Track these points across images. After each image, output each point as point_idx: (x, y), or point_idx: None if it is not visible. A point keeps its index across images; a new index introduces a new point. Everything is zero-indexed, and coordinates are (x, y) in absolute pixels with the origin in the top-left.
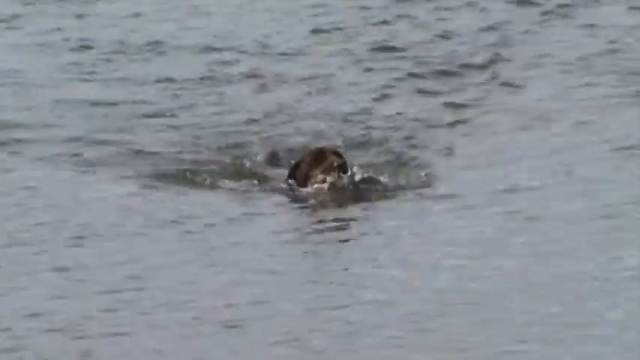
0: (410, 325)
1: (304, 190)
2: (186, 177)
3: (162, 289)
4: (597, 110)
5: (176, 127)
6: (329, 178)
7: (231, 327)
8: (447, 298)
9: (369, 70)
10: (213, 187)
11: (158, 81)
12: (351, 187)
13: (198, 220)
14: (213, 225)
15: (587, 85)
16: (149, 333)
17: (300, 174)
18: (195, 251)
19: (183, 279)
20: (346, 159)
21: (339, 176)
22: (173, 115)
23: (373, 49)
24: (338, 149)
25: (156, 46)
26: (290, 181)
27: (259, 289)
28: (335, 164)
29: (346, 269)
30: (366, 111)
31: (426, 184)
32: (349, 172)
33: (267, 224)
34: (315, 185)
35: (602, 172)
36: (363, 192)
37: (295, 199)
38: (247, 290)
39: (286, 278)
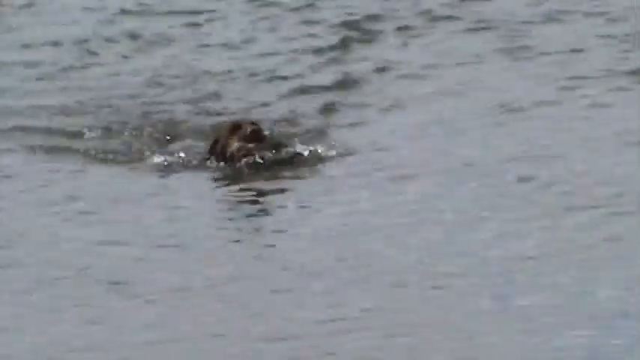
0: None
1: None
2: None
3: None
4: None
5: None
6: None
7: None
8: None
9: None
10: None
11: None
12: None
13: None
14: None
15: None
16: None
17: (218, 148)
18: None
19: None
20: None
21: (256, 145)
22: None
23: None
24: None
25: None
26: (210, 157)
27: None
28: (249, 130)
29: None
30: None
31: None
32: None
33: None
34: (233, 154)
35: None
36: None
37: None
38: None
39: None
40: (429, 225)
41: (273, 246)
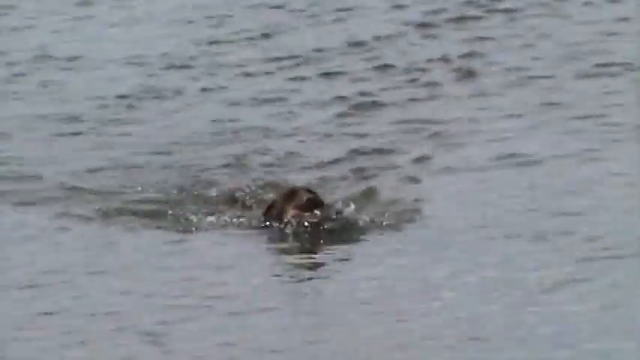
0: None
1: (279, 224)
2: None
3: None
4: None
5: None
6: (302, 213)
7: None
8: None
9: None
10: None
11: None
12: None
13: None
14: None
15: None
16: None
17: (275, 211)
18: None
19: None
20: (318, 195)
21: (312, 212)
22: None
23: None
24: (310, 187)
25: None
26: (264, 218)
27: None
28: (305, 198)
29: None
30: None
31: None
32: (323, 208)
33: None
34: (289, 220)
35: None
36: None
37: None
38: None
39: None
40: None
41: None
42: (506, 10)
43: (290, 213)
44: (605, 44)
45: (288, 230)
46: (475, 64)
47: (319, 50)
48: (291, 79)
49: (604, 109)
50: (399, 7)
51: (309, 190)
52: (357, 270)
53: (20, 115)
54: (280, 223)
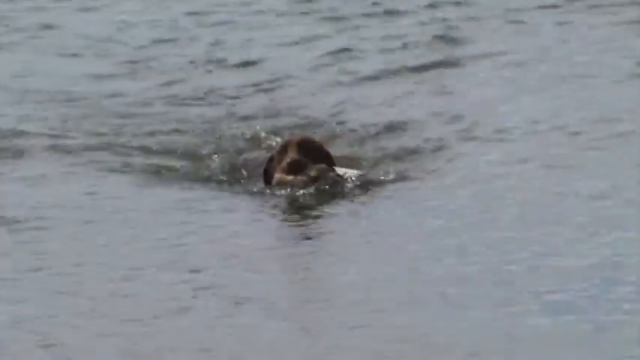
0: None
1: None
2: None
3: None
4: None
5: None
6: (285, 177)
7: None
8: None
9: None
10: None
11: None
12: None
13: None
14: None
15: None
16: None
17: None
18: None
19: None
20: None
21: (296, 175)
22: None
23: None
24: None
25: None
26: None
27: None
28: (288, 161)
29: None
30: None
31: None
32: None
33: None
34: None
35: None
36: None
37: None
38: None
39: None
40: None
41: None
42: None
43: (277, 176)
44: None
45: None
46: None
47: None
48: None
49: None
50: None
51: (301, 143)
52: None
53: None
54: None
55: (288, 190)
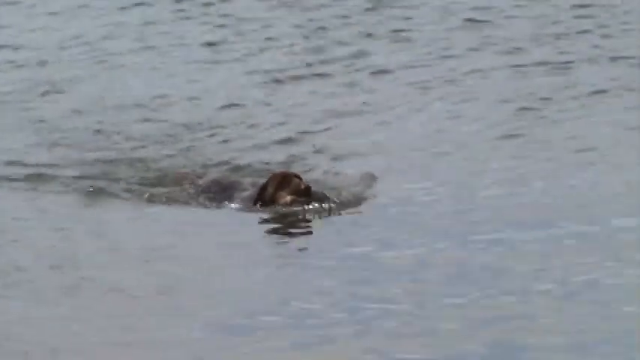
0: None
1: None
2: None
3: None
4: None
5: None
6: (293, 199)
7: None
8: None
9: None
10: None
11: None
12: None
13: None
14: None
15: None
16: None
17: (267, 196)
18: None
19: None
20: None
21: (306, 197)
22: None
23: None
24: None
25: None
26: (257, 202)
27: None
28: (302, 187)
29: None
30: None
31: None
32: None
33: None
34: (282, 205)
35: None
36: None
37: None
38: None
39: None
40: None
41: None
42: None
43: (288, 198)
44: None
45: (282, 211)
46: None
47: None
48: None
49: None
50: None
51: (296, 176)
52: None
53: None
54: (274, 206)
55: (293, 208)
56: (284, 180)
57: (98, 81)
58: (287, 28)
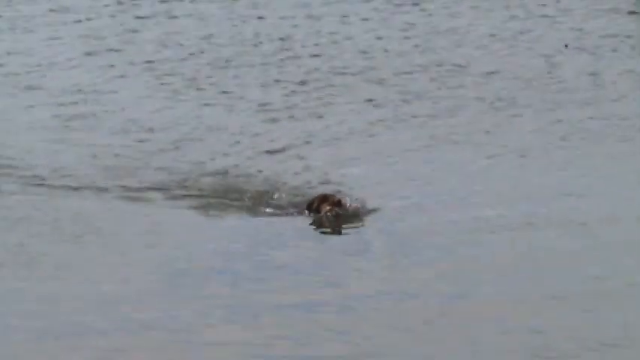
0: None
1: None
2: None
3: None
4: None
5: None
6: (334, 208)
7: None
8: None
9: None
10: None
11: None
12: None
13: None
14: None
15: None
16: None
17: (314, 206)
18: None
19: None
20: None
21: (339, 207)
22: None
23: None
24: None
25: None
26: (307, 211)
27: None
28: (336, 200)
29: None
30: None
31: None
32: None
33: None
34: (325, 213)
35: None
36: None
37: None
38: None
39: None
40: None
41: None
42: None
43: (327, 208)
44: None
45: (325, 218)
46: None
47: None
48: None
49: None
50: None
51: (332, 195)
52: None
53: None
54: (319, 213)
55: (331, 214)
56: (324, 197)
57: None
58: None
